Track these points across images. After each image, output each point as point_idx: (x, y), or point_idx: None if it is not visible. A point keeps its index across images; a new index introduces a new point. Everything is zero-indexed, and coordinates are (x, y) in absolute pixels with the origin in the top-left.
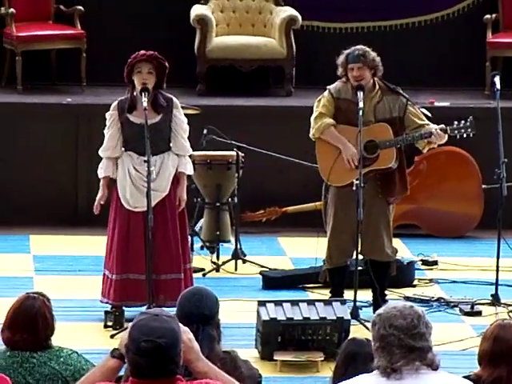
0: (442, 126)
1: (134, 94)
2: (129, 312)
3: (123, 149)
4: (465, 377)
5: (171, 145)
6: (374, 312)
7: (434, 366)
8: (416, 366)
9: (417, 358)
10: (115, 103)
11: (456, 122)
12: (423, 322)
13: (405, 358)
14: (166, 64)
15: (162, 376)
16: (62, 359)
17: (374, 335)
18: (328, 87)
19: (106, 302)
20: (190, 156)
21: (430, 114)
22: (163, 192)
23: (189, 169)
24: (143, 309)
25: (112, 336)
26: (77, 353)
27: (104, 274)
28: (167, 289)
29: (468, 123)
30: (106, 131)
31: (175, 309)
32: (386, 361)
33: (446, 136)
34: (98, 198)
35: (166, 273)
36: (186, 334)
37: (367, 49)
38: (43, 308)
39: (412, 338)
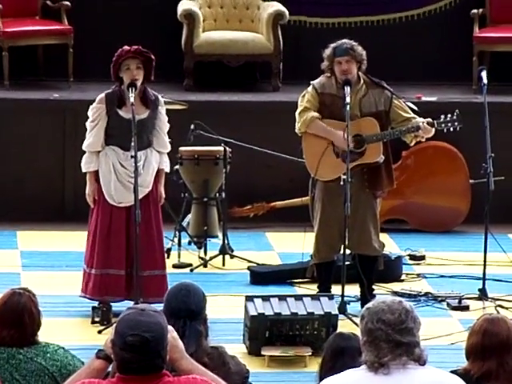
0: (429, 119)
1: (123, 88)
2: (116, 308)
3: (104, 143)
4: (452, 371)
5: (154, 141)
6: (361, 307)
7: (421, 361)
8: (403, 361)
9: (403, 353)
10: (102, 96)
11: (443, 116)
12: (411, 317)
13: (392, 353)
14: (152, 56)
15: (149, 371)
16: (48, 355)
17: (362, 329)
18: (312, 82)
19: (84, 297)
20: (176, 151)
21: (416, 108)
22: (147, 188)
23: (168, 166)
24: (129, 304)
25: (99, 332)
26: (63, 348)
27: (83, 269)
28: (150, 285)
29: (455, 116)
30: (90, 124)
31: (161, 305)
32: (374, 355)
33: (434, 130)
34: (90, 192)
35: (149, 269)
36: (170, 332)
37: (354, 43)
38: (29, 303)
39: (399, 333)
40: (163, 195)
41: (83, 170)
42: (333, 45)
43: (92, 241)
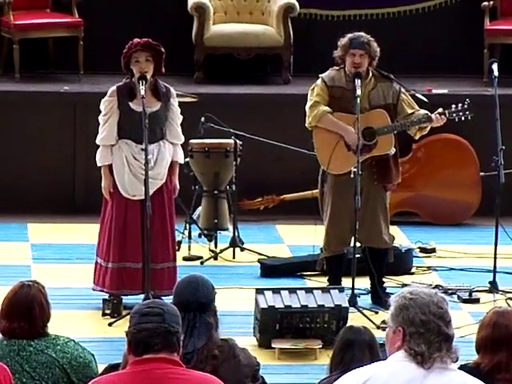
0: (440, 109)
1: (134, 81)
2: (126, 300)
3: (117, 137)
4: (463, 365)
5: (167, 133)
6: (372, 299)
7: (455, 359)
8: (446, 359)
9: (449, 349)
10: (113, 89)
11: (454, 106)
12: (448, 308)
13: (440, 350)
14: (162, 49)
15: (164, 344)
16: (58, 347)
17: (405, 318)
18: (321, 75)
19: (101, 290)
20: (187, 144)
21: (426, 100)
22: (162, 180)
23: (182, 158)
24: (141, 297)
25: (110, 324)
26: (74, 341)
27: (96, 262)
28: (164, 277)
29: (466, 106)
30: (102, 118)
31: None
32: (426, 348)
33: (445, 119)
34: (105, 185)
35: (163, 261)
36: None
37: (371, 38)
38: (39, 295)
39: (447, 326)
40: (177, 187)
41: (98, 164)
42: (350, 35)
43: (108, 234)
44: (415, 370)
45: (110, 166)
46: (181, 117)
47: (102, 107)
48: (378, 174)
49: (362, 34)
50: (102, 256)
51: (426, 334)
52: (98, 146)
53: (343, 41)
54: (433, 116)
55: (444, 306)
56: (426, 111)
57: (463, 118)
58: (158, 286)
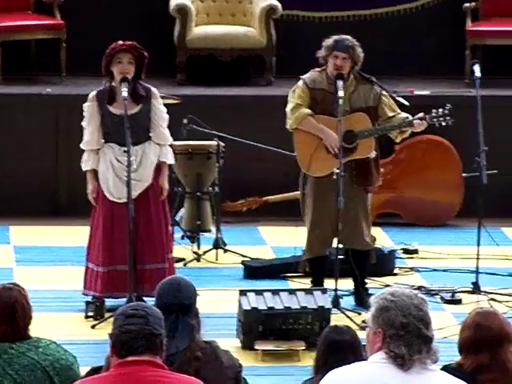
0: (421, 114)
1: (113, 84)
2: (109, 302)
3: (103, 140)
4: (446, 365)
5: (151, 134)
6: (355, 301)
7: (434, 360)
8: (426, 360)
9: (429, 351)
10: (93, 94)
11: (434, 110)
12: (428, 310)
13: (420, 352)
14: (146, 54)
15: (148, 346)
16: (40, 349)
17: (385, 320)
18: (302, 77)
19: (93, 296)
20: (170, 145)
21: (407, 103)
22: (146, 182)
23: (170, 158)
24: (123, 299)
25: (93, 326)
26: (55, 343)
27: (87, 267)
28: (152, 278)
29: (447, 111)
30: (85, 123)
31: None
32: (406, 350)
33: (426, 124)
34: (89, 191)
35: (150, 262)
36: None
37: (356, 42)
38: (20, 298)
39: (427, 328)
40: (166, 187)
41: (83, 169)
42: (335, 37)
43: (96, 238)
44: (394, 372)
45: (95, 171)
46: (166, 117)
47: (84, 113)
48: (357, 176)
49: (348, 37)
50: (92, 261)
51: (406, 336)
52: (81, 148)
53: (328, 42)
54: (414, 122)
55: (424, 307)
56: (407, 114)
57: (444, 124)
58: (148, 286)
